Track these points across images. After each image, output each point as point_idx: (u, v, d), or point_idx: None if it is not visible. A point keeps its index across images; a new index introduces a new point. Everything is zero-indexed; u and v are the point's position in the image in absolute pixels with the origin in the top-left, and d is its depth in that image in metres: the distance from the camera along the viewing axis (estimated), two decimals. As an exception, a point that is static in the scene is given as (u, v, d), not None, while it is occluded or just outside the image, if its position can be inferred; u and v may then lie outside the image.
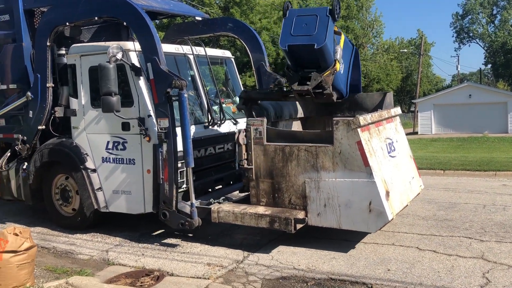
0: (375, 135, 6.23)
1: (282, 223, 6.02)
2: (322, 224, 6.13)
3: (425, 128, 37.69)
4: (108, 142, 7.08)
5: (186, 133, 6.31)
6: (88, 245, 6.99)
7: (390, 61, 59.08)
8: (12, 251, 5.01)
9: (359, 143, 5.79)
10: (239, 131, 6.54)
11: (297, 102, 7.75)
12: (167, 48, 7.24)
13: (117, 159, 7.03)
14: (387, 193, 5.87)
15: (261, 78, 8.57)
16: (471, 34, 68.20)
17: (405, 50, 60.15)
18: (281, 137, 6.41)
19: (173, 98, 6.42)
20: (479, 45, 69.20)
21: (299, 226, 6.12)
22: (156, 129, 6.60)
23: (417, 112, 39.88)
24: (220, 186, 7.89)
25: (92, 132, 7.21)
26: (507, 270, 5.47)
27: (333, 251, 6.23)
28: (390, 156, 6.42)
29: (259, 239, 6.87)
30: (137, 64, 6.78)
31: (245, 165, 6.55)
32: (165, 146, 6.47)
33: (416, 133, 38.44)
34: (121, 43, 6.80)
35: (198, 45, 8.07)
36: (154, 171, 6.68)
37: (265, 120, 6.44)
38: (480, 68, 68.67)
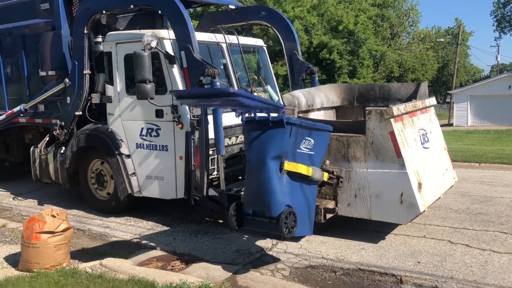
0: (409, 125, 6.14)
1: (311, 212, 6.02)
2: (352, 214, 6.11)
3: (461, 120, 36.72)
4: (142, 129, 7.22)
5: (217, 121, 6.37)
6: (122, 228, 7.19)
7: (426, 50, 57.70)
8: (50, 232, 5.22)
9: (392, 133, 5.72)
10: None
11: (329, 91, 7.71)
12: (201, 36, 7.29)
13: (151, 146, 7.17)
14: (420, 185, 5.79)
15: (293, 66, 8.57)
16: (512, 23, 65.77)
17: (442, 40, 58.49)
18: (312, 126, 6.38)
19: (206, 86, 6.48)
20: (523, 34, 66.66)
21: (328, 216, 6.11)
22: (189, 116, 6.70)
23: (453, 103, 38.89)
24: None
25: (127, 118, 7.36)
26: None
27: (363, 241, 6.21)
28: (423, 147, 6.32)
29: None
30: (171, 52, 6.87)
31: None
32: (197, 133, 6.56)
33: (452, 124, 37.52)
34: (156, 31, 6.90)
35: (231, 33, 8.09)
36: (186, 157, 6.79)
37: (296, 109, 6.44)
38: (521, 58, 66.15)
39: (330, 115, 7.79)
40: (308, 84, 8.54)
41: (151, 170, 7.20)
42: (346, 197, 6.08)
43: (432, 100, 7.12)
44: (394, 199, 5.78)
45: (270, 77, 8.77)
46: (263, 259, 5.79)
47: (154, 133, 7.15)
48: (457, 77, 53.45)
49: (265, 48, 8.87)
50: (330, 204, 6.09)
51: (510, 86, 34.60)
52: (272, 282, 5.12)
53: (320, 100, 7.49)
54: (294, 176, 5.15)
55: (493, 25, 68.33)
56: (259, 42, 8.79)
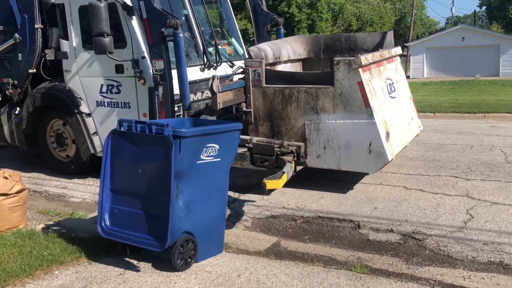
0: (376, 75, 6.11)
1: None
2: (322, 165, 6.13)
3: (417, 72, 37.40)
4: (102, 86, 6.90)
5: (182, 75, 6.15)
6: (80, 188, 7.02)
7: (383, 3, 57.72)
8: (3, 194, 5.02)
9: (360, 83, 5.68)
10: (213, 77, 5.92)
11: (295, 43, 7.56)
12: (159, -15, 6.91)
13: (112, 103, 6.88)
14: (387, 134, 5.84)
15: (257, 18, 8.32)
16: (466, -25, 66.39)
17: (399, -8, 58.70)
18: (280, 78, 6.27)
19: (168, 39, 6.20)
20: (475, -15, 67.57)
21: (298, 168, 6.11)
22: (151, 71, 6.44)
23: (410, 55, 39.48)
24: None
25: (85, 75, 7.00)
26: (490, 206, 5.60)
27: (322, 191, 6.33)
28: (390, 96, 6.34)
29: (248, 181, 6.93)
30: (128, 2, 6.49)
31: (244, 108, 6.45)
32: (160, 89, 6.31)
33: (408, 77, 37.95)
34: (111, -20, 6.48)
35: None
36: (150, 114, 6.56)
37: (263, 61, 6.27)
38: (475, 10, 67.49)
39: (296, 68, 7.66)
40: (274, 36, 8.34)
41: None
42: (316, 149, 6.06)
43: (398, 50, 7.11)
44: (363, 149, 5.81)
45: (234, 29, 8.50)
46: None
47: (115, 90, 6.85)
48: (414, 29, 53.93)
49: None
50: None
51: (463, 38, 35.32)
52: (234, 233, 5.16)
53: (286, 52, 7.34)
54: (194, 192, 4.29)
55: (448, -24, 68.90)
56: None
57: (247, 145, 6.05)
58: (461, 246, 4.63)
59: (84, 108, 7.05)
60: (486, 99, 16.13)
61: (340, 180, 6.59)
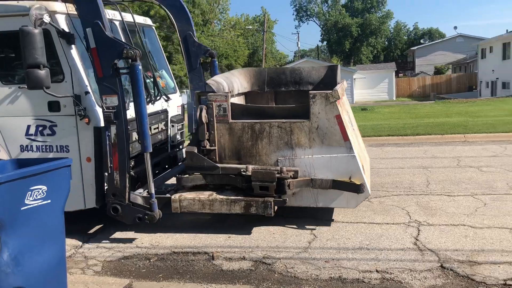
0: (343, 108, 6.08)
1: (260, 206, 5.56)
2: (299, 204, 5.84)
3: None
4: (29, 127, 5.73)
5: (142, 113, 5.38)
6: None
7: (237, 37, 60.27)
8: None
9: (338, 117, 5.58)
10: (201, 108, 5.81)
11: (240, 76, 7.23)
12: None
13: (44, 147, 5.74)
14: (362, 167, 5.81)
15: (189, 49, 7.76)
16: (308, 13, 73.07)
17: (251, 27, 61.94)
18: (248, 113, 5.88)
19: (123, 71, 5.41)
20: (316, 23, 74.61)
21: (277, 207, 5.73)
22: (97, 108, 5.55)
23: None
24: (157, 171, 7.03)
25: (4, 114, 5.75)
26: (331, 225, 6.04)
27: (177, 226, 6.27)
28: (353, 128, 6.36)
29: (96, 224, 6.53)
30: (66, 29, 5.55)
31: (207, 146, 5.89)
32: (113, 128, 5.45)
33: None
34: (44, 2, 5.48)
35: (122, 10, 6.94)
36: (97, 158, 5.63)
37: (229, 95, 5.83)
38: (318, 45, 74.38)
39: (241, 101, 7.31)
40: (208, 69, 7.89)
41: (45, 177, 5.77)
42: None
43: (345, 82, 7.23)
44: (342, 184, 5.67)
45: (162, 60, 7.84)
46: (73, 258, 5.40)
47: (47, 131, 5.74)
48: (266, 62, 57.25)
49: (154, 27, 7.90)
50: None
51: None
52: (82, 280, 4.81)
53: (236, 85, 6.95)
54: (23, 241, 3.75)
55: (293, 14, 74.98)
56: (148, 21, 7.77)
57: (243, 173, 5.60)
58: (306, 266, 4.87)
59: (2, 155, 5.75)
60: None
61: (196, 214, 6.24)
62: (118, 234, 6.07)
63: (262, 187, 5.57)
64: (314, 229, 5.88)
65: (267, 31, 58.39)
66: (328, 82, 6.99)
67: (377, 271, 4.67)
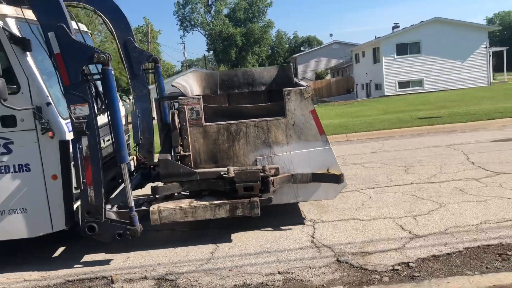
0: (310, 104, 6.23)
1: (246, 207, 5.45)
2: (279, 201, 5.84)
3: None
4: (-22, 147, 5.02)
5: (118, 121, 5.02)
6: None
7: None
8: None
9: (313, 112, 5.71)
10: (173, 113, 5.57)
11: (193, 80, 7.04)
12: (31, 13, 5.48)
13: (-1, 168, 5.06)
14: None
15: (130, 55, 7.36)
16: (192, 23, 73.12)
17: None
18: (221, 115, 5.76)
19: (95, 77, 5.00)
20: (201, 32, 74.93)
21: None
22: (61, 120, 5.06)
23: (153, 98, 40.72)
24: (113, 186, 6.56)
25: None
26: (235, 231, 6.02)
27: (66, 252, 5.90)
28: (317, 124, 6.51)
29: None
30: (18, 33, 4.98)
31: (182, 152, 5.65)
32: (84, 140, 4.99)
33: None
34: (-10, 5, 4.87)
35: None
36: (64, 175, 5.11)
37: (201, 97, 5.66)
38: (204, 55, 74.69)
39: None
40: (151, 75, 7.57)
41: (2, 202, 5.10)
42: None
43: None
44: (321, 177, 5.79)
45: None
46: None
47: (1, 150, 5.07)
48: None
49: (90, 34, 7.38)
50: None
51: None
52: None
53: (195, 89, 6.76)
54: None
55: (177, 24, 74.51)
56: (84, 27, 7.24)
57: (225, 176, 5.42)
58: (210, 277, 4.78)
59: None
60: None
61: (82, 237, 5.44)
62: (4, 266, 5.41)
63: (247, 187, 5.48)
64: (216, 239, 5.78)
65: (151, 42, 57.32)
66: (281, 82, 7.09)
67: (279, 272, 4.71)
